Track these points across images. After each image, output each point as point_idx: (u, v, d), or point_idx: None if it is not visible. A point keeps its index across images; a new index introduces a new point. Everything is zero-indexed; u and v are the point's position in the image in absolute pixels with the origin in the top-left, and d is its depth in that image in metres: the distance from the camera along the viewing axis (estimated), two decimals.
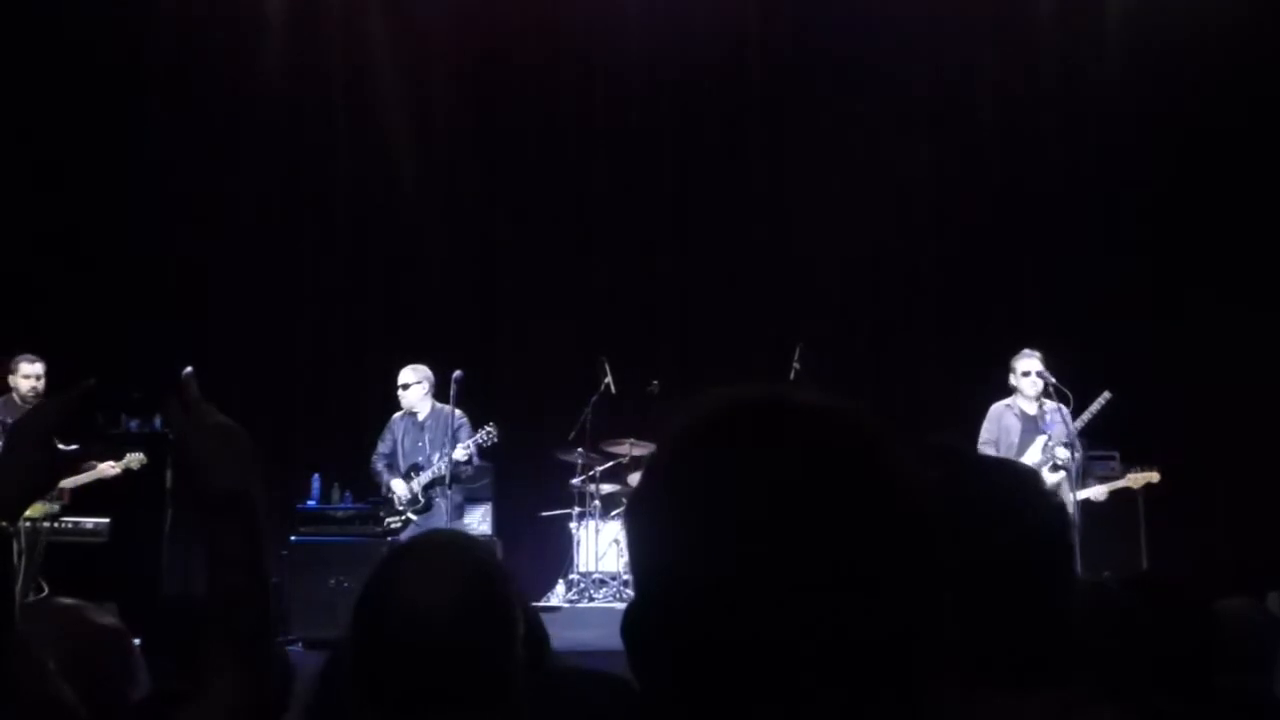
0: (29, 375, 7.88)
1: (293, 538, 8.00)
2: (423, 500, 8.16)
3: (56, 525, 7.81)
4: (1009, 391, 8.13)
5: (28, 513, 6.28)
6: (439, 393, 8.30)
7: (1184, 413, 9.20)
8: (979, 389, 8.37)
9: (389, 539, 7.89)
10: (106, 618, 2.43)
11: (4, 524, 1.52)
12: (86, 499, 7.95)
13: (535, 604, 7.88)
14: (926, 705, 0.86)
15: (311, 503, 8.41)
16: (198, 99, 10.10)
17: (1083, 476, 7.83)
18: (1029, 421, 8.03)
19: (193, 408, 1.61)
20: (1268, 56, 9.75)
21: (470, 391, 8.25)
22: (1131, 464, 8.17)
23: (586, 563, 8.63)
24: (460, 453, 8.03)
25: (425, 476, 8.15)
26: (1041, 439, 7.92)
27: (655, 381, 8.92)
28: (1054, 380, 7.80)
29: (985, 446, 7.82)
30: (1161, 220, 9.84)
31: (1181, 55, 9.99)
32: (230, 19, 10.30)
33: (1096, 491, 7.88)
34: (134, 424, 8.11)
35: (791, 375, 8.51)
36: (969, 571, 1.03)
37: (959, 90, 10.50)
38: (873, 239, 10.32)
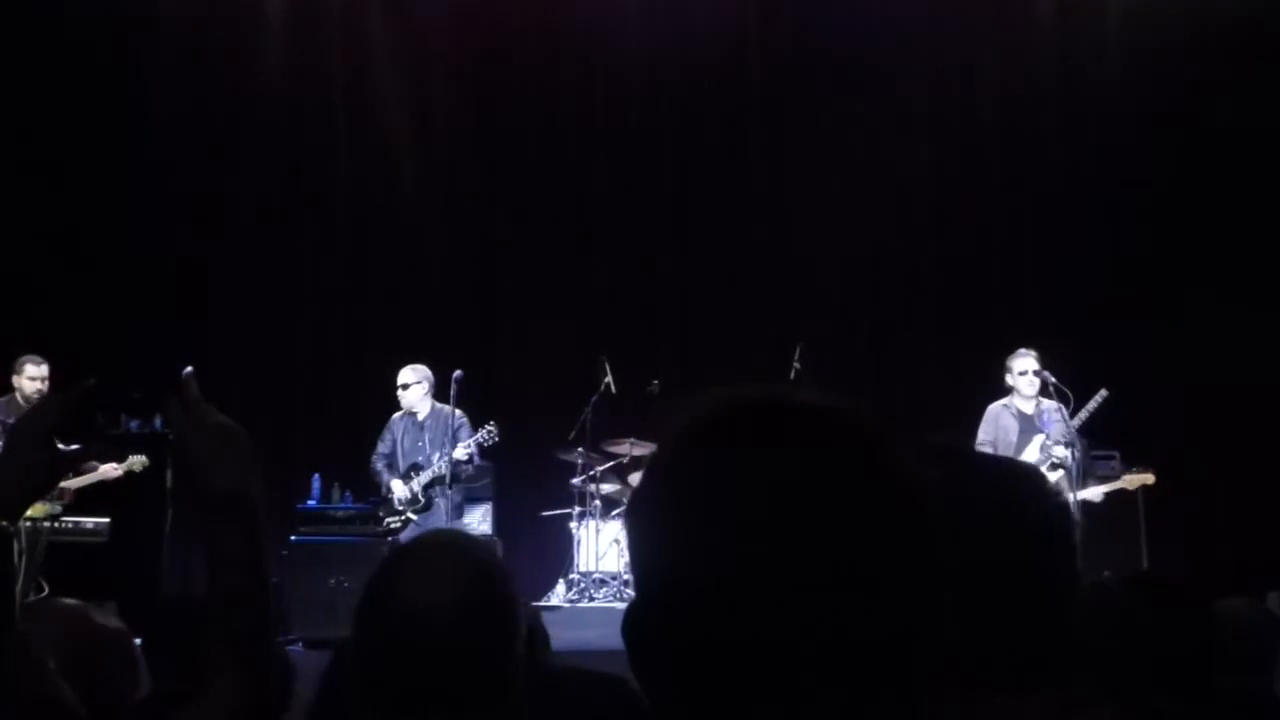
0: (35, 377, 7.87)
1: (293, 538, 7.99)
2: (422, 500, 8.16)
3: (57, 525, 7.81)
4: (1006, 392, 8.13)
5: (29, 512, 6.28)
6: (439, 393, 8.31)
7: (1184, 413, 9.20)
8: (979, 389, 8.37)
9: (389, 539, 7.90)
10: (108, 618, 2.43)
11: (4, 524, 1.52)
12: (87, 499, 7.95)
13: (535, 604, 7.89)
14: (926, 705, 0.86)
15: (311, 503, 8.41)
16: (198, 99, 10.10)
17: (1084, 476, 7.84)
18: (1026, 421, 8.03)
19: (193, 408, 1.61)
20: (1268, 56, 9.75)
21: (470, 391, 8.25)
22: (1132, 464, 8.18)
23: (587, 562, 8.64)
24: (461, 452, 8.03)
25: (425, 476, 8.15)
26: (1039, 438, 7.92)
27: (655, 381, 8.92)
28: (1054, 380, 7.81)
29: (983, 447, 7.81)
30: (1161, 220, 9.85)
31: (1181, 55, 10.00)
32: (230, 19, 10.30)
33: (1093, 493, 7.88)
34: (134, 424, 8.10)
35: (791, 375, 8.51)
36: (969, 571, 1.03)
37: (959, 90, 10.51)
38: (873, 239, 10.32)
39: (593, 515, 8.69)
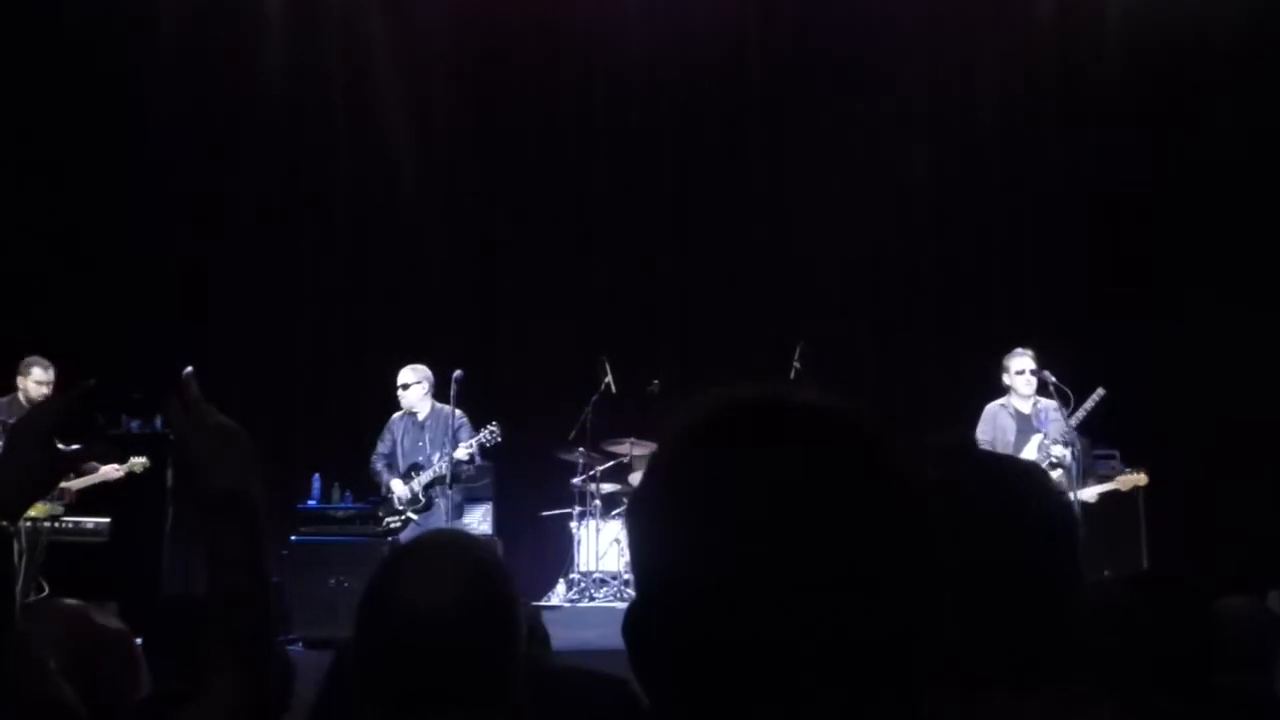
0: (42, 381, 7.83)
1: (293, 537, 8.00)
2: (423, 500, 8.17)
3: (57, 525, 7.81)
4: (1004, 391, 8.13)
5: (30, 512, 6.28)
6: (439, 393, 8.31)
7: (1184, 413, 9.20)
8: (979, 389, 8.37)
9: (389, 539, 7.90)
10: (109, 619, 2.44)
11: (4, 524, 1.52)
12: (88, 499, 7.95)
13: (536, 603, 7.89)
14: (926, 705, 0.86)
15: (312, 502, 8.41)
16: (198, 99, 10.10)
17: (1085, 475, 7.83)
18: (1024, 421, 8.03)
19: (193, 408, 1.61)
20: (1268, 56, 9.75)
21: (470, 391, 8.25)
22: (1132, 464, 8.18)
23: (587, 562, 8.63)
24: (463, 452, 8.04)
25: (426, 476, 8.16)
26: (1037, 438, 7.92)
27: (655, 381, 8.92)
28: (1054, 379, 7.80)
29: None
30: (1161, 220, 9.85)
31: (1181, 55, 10.00)
32: (230, 19, 10.30)
33: (1087, 494, 7.88)
34: (134, 424, 8.10)
35: (791, 375, 8.51)
36: (970, 571, 1.03)
37: (959, 90, 10.51)
38: (873, 239, 10.32)
39: (593, 515, 8.69)
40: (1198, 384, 9.19)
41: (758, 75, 10.64)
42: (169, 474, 8.01)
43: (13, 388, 7.91)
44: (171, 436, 1.63)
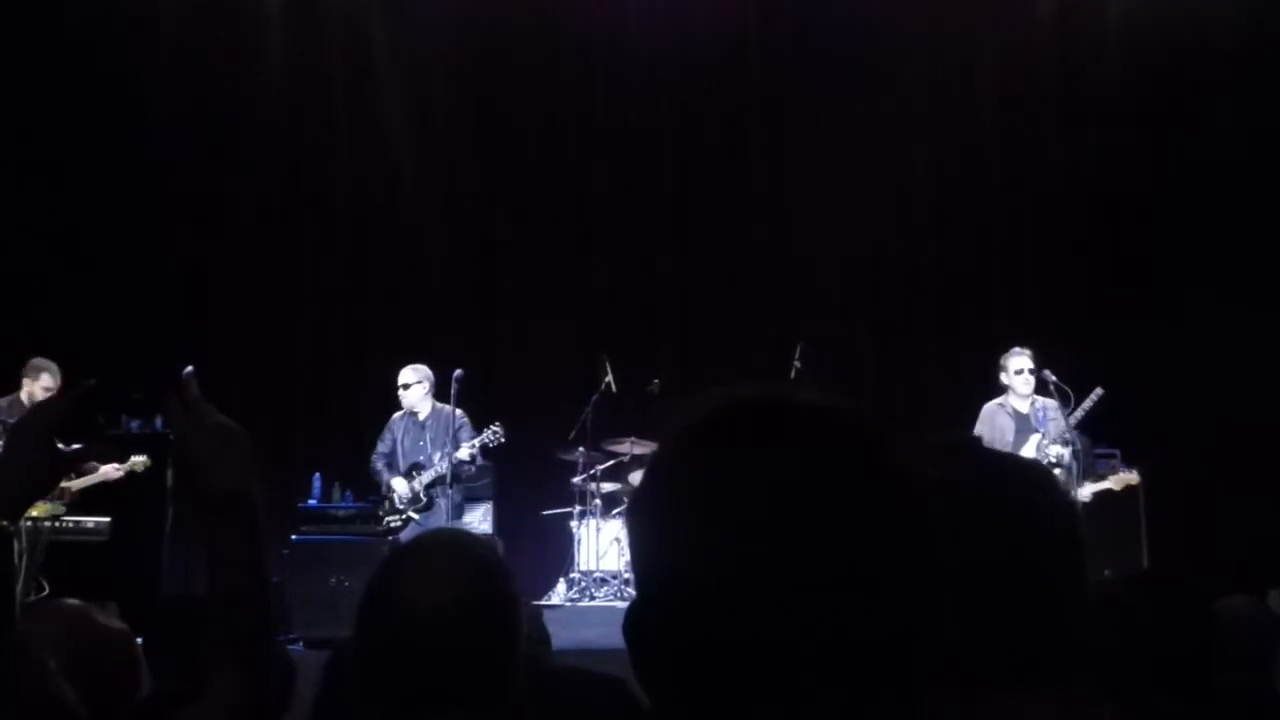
0: (50, 389, 7.77)
1: (293, 537, 7.99)
2: (424, 499, 8.17)
3: (57, 525, 7.80)
4: (1002, 391, 8.12)
5: (31, 512, 6.28)
6: (439, 392, 8.32)
7: (1184, 412, 9.20)
8: (979, 389, 8.37)
9: (390, 538, 7.90)
10: (109, 619, 2.44)
11: (5, 524, 1.52)
12: (87, 499, 7.94)
13: (536, 603, 7.89)
14: (926, 705, 0.86)
15: (312, 502, 8.41)
16: (198, 99, 10.10)
17: (1086, 475, 7.82)
18: (1022, 420, 8.02)
19: (193, 408, 1.61)
20: (1267, 56, 9.75)
21: (470, 391, 8.25)
22: (1132, 463, 8.17)
23: (587, 561, 8.63)
24: (465, 452, 8.04)
25: (427, 475, 8.16)
26: (1035, 437, 7.92)
27: (655, 381, 8.92)
28: (1055, 379, 7.79)
29: None
30: (1161, 220, 9.85)
31: (1181, 55, 10.00)
32: (230, 19, 10.30)
33: (1082, 493, 7.87)
34: (134, 424, 8.09)
35: (791, 375, 8.51)
36: (970, 571, 1.03)
37: (959, 90, 10.51)
38: (873, 239, 10.32)
39: (593, 514, 8.68)
40: (1197, 384, 9.19)
41: (758, 75, 10.64)
42: (169, 474, 8.00)
43: (13, 388, 7.89)
44: (171, 436, 1.63)
